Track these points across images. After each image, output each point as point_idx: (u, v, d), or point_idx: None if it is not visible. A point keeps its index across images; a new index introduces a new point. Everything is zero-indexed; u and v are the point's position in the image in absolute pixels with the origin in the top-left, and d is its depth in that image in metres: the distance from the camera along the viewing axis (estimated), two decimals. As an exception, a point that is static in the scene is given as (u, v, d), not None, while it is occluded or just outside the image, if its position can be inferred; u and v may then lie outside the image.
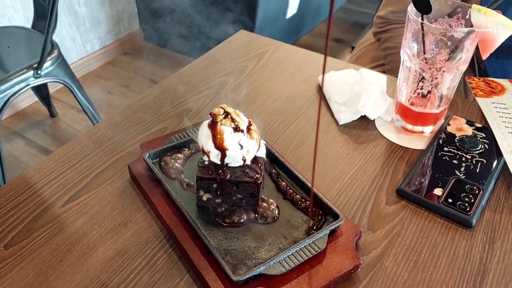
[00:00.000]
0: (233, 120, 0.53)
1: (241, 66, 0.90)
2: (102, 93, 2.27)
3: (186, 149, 0.65)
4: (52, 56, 1.56)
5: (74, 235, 0.57)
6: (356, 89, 0.78)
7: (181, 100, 0.81)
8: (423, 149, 0.71)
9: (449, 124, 0.75)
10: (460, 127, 0.74)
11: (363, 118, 0.76)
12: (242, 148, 0.54)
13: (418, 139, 0.73)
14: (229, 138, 0.53)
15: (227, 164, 0.55)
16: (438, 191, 0.62)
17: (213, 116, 0.54)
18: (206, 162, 0.56)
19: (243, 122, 0.54)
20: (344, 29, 2.96)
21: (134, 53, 2.62)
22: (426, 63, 0.65)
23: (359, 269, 0.53)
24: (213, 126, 0.53)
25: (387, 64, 1.08)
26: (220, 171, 0.55)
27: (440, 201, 0.61)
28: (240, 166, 0.56)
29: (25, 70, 1.48)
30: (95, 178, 0.65)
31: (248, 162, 0.56)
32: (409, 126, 0.74)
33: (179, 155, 0.64)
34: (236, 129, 0.53)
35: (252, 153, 0.56)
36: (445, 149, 0.70)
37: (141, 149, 0.66)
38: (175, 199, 0.57)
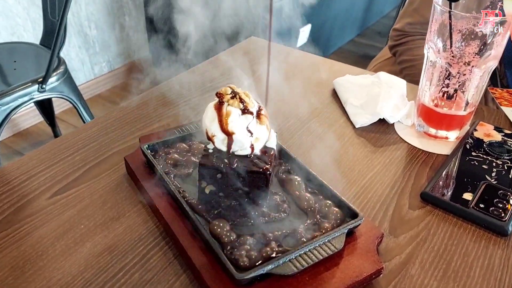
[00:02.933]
0: (241, 100, 0.47)
1: (251, 69, 0.85)
2: (108, 115, 2.23)
3: (188, 142, 0.60)
4: (58, 71, 1.53)
5: (59, 229, 0.50)
6: (374, 92, 0.73)
7: (185, 100, 0.76)
8: (448, 154, 0.65)
9: (476, 130, 0.68)
10: (488, 133, 0.68)
11: (382, 122, 0.71)
12: (251, 135, 0.48)
13: (443, 144, 0.67)
14: (237, 120, 0.47)
15: (233, 152, 0.49)
16: (467, 196, 0.56)
17: (220, 96, 0.48)
18: (211, 150, 0.50)
19: (252, 104, 0.48)
20: (354, 60, 2.94)
21: (143, 77, 2.60)
22: (454, 57, 0.60)
23: (381, 275, 0.46)
24: (219, 107, 0.48)
25: (404, 78, 1.03)
26: (225, 159, 0.49)
27: (471, 206, 0.54)
28: (247, 155, 0.49)
29: (30, 83, 1.44)
30: (88, 171, 0.59)
31: (257, 151, 0.50)
32: (433, 131, 0.68)
33: (181, 148, 0.58)
34: (245, 111, 0.47)
35: (262, 141, 0.49)
36: (473, 153, 0.63)
37: (140, 142, 0.60)
38: (174, 191, 0.50)
